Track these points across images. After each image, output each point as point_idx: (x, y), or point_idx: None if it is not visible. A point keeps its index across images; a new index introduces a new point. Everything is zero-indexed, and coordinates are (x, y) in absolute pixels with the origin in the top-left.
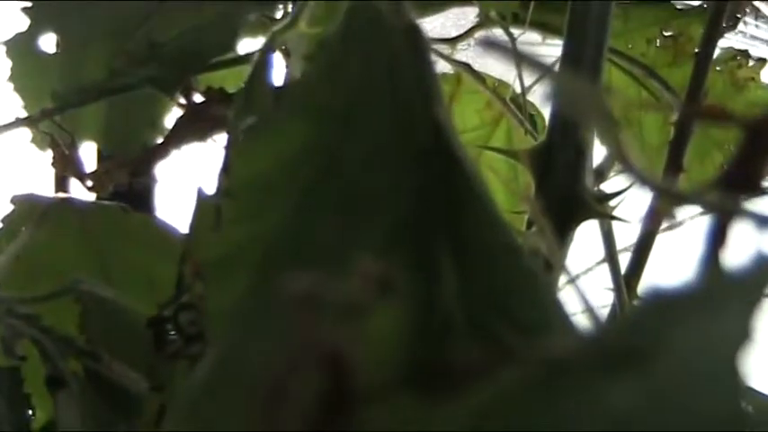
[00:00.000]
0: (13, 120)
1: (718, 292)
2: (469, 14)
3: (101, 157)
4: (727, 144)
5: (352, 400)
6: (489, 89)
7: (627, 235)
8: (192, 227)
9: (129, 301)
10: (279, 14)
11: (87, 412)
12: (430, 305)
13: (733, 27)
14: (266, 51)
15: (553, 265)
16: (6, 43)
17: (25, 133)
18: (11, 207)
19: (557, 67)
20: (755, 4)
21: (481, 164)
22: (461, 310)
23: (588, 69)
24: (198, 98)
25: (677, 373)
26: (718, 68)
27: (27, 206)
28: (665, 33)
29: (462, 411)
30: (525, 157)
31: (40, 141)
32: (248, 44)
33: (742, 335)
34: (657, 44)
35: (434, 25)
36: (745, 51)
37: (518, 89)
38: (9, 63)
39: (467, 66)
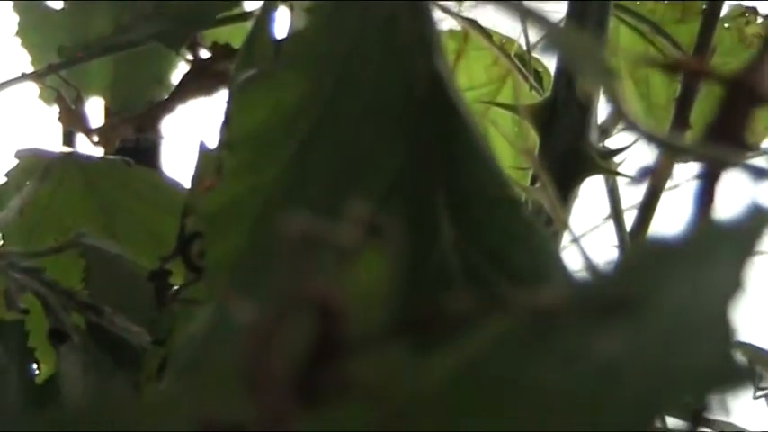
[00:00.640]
0: (19, 75)
1: (710, 243)
2: None
3: (108, 113)
4: None
5: (342, 347)
6: (496, 46)
7: (634, 193)
8: (194, 180)
9: (133, 255)
10: None
11: (89, 365)
12: (426, 256)
13: None
14: (269, 5)
15: (556, 221)
16: None
17: (32, 88)
18: (15, 161)
19: (562, 24)
20: None
21: (487, 120)
22: (459, 262)
23: (593, 26)
24: (204, 54)
25: (667, 323)
26: (726, 25)
27: (31, 161)
28: None
29: (448, 361)
30: (529, 112)
31: (46, 97)
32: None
33: (733, 286)
34: (665, 1)
35: None
36: (754, 8)
37: (524, 46)
38: (16, 18)
39: (474, 22)
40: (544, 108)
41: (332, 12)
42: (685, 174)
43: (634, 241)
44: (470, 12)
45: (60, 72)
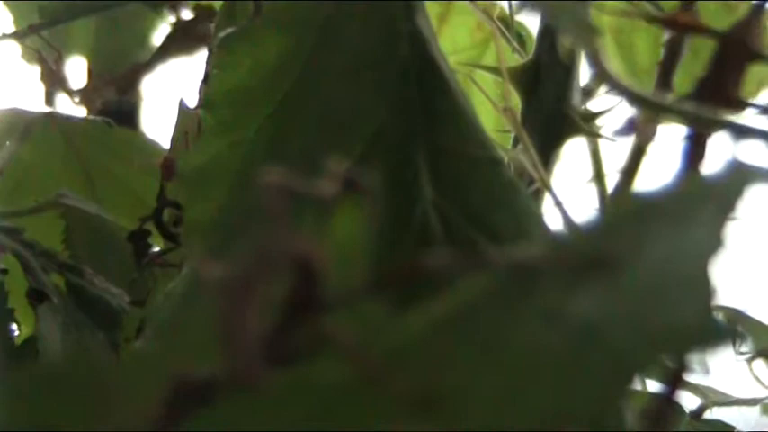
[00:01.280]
0: (0, 34)
1: (691, 201)
2: None
3: (90, 73)
4: None
5: (317, 303)
6: (479, 9)
7: (617, 156)
8: (174, 138)
9: (114, 216)
10: None
11: (69, 326)
12: (406, 214)
13: None
14: None
15: (538, 182)
16: None
17: (15, 48)
18: None
19: None
20: None
21: (470, 83)
22: (438, 221)
23: None
24: (187, 15)
25: (647, 281)
26: None
27: (11, 120)
28: None
29: (426, 318)
30: (512, 75)
31: (28, 57)
32: None
33: (714, 244)
34: None
35: None
36: None
37: (506, 8)
38: None
39: None
40: (527, 70)
41: None
42: (669, 138)
43: (615, 200)
44: None
45: (42, 33)
